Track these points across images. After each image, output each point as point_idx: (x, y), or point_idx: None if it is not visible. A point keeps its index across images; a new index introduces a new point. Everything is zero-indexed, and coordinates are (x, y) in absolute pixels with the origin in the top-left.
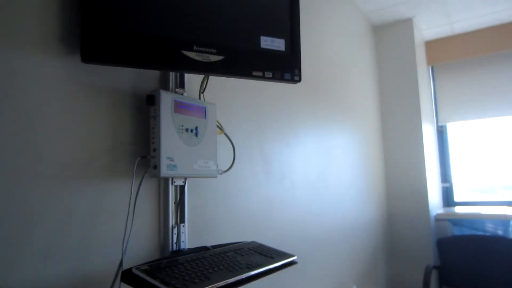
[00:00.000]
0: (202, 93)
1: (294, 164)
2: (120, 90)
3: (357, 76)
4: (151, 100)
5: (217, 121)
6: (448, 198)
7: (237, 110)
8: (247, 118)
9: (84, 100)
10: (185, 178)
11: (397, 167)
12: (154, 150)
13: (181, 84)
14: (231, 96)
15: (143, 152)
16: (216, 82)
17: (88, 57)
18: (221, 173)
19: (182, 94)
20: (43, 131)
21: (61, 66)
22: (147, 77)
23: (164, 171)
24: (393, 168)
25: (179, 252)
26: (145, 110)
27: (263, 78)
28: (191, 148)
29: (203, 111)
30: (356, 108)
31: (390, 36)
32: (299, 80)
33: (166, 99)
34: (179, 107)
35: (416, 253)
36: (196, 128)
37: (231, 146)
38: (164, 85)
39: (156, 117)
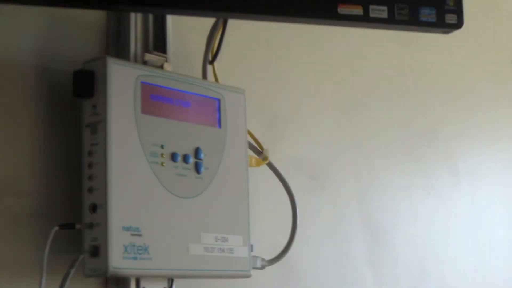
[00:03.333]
0: (211, 63)
1: (449, 242)
2: (12, 60)
3: None
4: (87, 84)
5: (249, 133)
6: None
7: (299, 105)
8: (325, 126)
9: None
10: (171, 280)
11: None
12: (93, 208)
13: (159, 45)
14: (283, 72)
15: (67, 215)
16: (247, 38)
17: None
18: (262, 267)
19: (162, 67)
20: None
21: None
22: (78, 32)
23: (118, 261)
24: None
25: None
26: (72, 109)
27: (364, 20)
28: (183, 201)
29: (214, 110)
30: None
31: None
32: (459, 24)
33: (123, 80)
34: (155, 99)
35: None
36: (196, 153)
37: (285, 195)
38: (117, 49)
39: (99, 124)
